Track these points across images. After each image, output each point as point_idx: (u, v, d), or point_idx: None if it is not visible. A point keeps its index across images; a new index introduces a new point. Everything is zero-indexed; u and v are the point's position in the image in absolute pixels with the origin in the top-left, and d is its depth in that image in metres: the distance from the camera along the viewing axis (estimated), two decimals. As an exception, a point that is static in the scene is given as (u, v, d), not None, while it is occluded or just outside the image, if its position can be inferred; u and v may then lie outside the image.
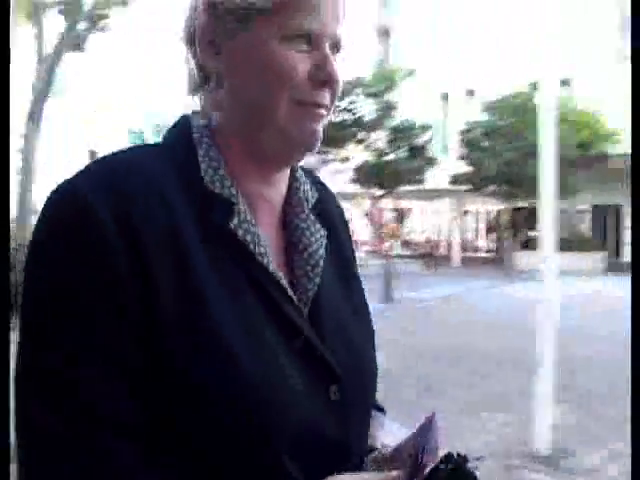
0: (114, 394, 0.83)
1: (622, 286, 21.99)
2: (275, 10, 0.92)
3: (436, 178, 30.07)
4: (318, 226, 1.05)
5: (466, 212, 36.22)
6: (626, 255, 31.63)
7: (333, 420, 0.94)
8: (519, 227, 28.48)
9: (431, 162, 29.20)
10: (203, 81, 1.00)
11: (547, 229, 5.83)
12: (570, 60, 31.96)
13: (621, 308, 15.96)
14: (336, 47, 0.97)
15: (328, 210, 1.12)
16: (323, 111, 0.97)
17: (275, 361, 0.89)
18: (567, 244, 28.78)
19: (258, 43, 0.93)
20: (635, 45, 1.28)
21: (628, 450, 5.49)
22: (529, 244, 28.59)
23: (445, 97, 36.57)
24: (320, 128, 0.97)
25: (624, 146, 28.87)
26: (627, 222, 31.91)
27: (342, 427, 0.96)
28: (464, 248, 34.87)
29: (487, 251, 33.24)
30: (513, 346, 10.06)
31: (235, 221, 0.92)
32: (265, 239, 0.95)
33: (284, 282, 0.95)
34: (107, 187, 0.86)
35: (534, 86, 32.49)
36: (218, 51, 0.96)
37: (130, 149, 0.97)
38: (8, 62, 0.86)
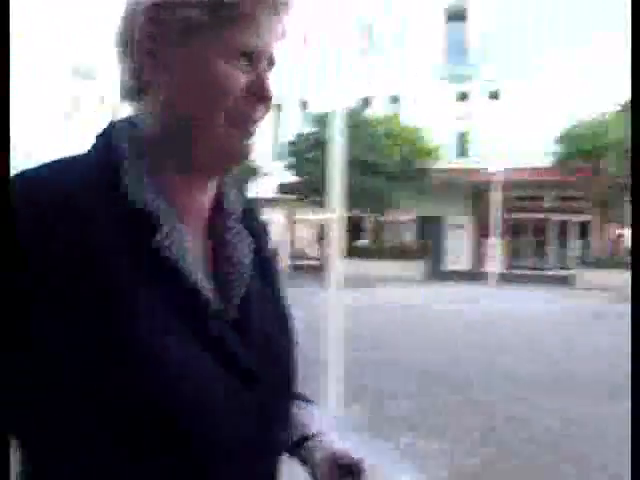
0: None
1: (440, 292, 23.32)
2: (219, 26, 0.93)
3: (266, 187, 30.44)
4: (244, 235, 1.05)
5: (297, 221, 36.88)
6: (447, 263, 33.39)
7: (256, 421, 0.97)
8: (345, 236, 29.36)
9: (254, 172, 29.50)
10: (137, 89, 0.98)
11: (334, 238, 6.09)
12: (399, 78, 33.39)
13: (433, 315, 16.94)
14: (271, 63, 0.99)
15: (253, 223, 1.11)
16: (256, 126, 0.99)
17: (200, 369, 0.90)
18: (393, 253, 30.00)
19: (199, 57, 0.93)
20: (634, 43, 1.33)
21: (416, 444, 5.85)
22: (354, 252, 29.49)
23: (278, 108, 37.13)
24: (252, 142, 0.99)
25: (444, 161, 30.48)
26: (448, 232, 33.69)
27: (264, 428, 0.99)
28: (294, 256, 35.45)
29: (316, 259, 33.97)
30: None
31: (159, 236, 0.90)
32: (191, 250, 0.95)
33: (208, 293, 0.95)
34: (28, 204, 0.85)
35: (365, 101, 33.83)
36: (157, 61, 0.95)
37: (58, 161, 0.94)
38: (8, 62, 0.89)
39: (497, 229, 29.49)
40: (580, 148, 26.27)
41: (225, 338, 0.95)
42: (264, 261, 1.11)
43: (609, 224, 29.63)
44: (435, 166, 29.64)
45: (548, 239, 33.12)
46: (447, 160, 31.07)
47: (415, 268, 29.48)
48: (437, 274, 30.72)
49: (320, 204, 25.72)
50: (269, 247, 1.17)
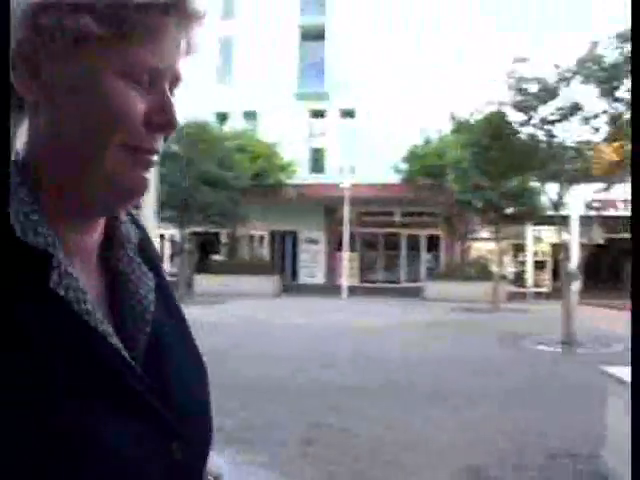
0: None
1: (290, 306, 23.57)
2: (117, 40, 0.78)
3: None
4: (144, 269, 0.92)
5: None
6: (302, 277, 33.75)
7: (176, 476, 0.85)
8: (198, 251, 29.18)
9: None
10: (14, 106, 0.80)
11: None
12: (255, 94, 33.54)
13: (275, 329, 17.07)
14: (174, 83, 0.85)
15: (149, 250, 0.97)
16: (155, 157, 0.85)
17: (111, 433, 0.77)
18: (248, 268, 30.02)
19: (91, 74, 0.78)
20: (634, 43, 1.30)
21: (236, 458, 5.86)
22: (209, 268, 29.31)
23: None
24: (150, 175, 0.84)
25: (299, 177, 30.85)
26: (303, 246, 34.06)
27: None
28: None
29: (172, 275, 33.58)
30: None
31: (55, 277, 0.77)
32: (88, 291, 0.81)
33: (115, 340, 0.81)
34: None
35: (222, 116, 33.79)
36: (37, 73, 0.79)
37: None
38: (8, 60, 0.78)
39: (350, 243, 30.14)
40: (424, 166, 27.37)
41: (139, 389, 0.83)
42: (167, 297, 0.98)
43: (456, 238, 30.90)
44: (289, 181, 29.97)
45: (400, 253, 34.13)
46: (301, 176, 31.49)
47: (269, 283, 29.64)
48: (291, 288, 31.01)
49: (169, 219, 25.64)
50: (164, 275, 1.02)
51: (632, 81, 1.34)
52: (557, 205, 15.89)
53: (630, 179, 1.31)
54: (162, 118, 0.82)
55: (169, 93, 0.84)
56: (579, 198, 19.92)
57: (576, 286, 28.43)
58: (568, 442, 6.95)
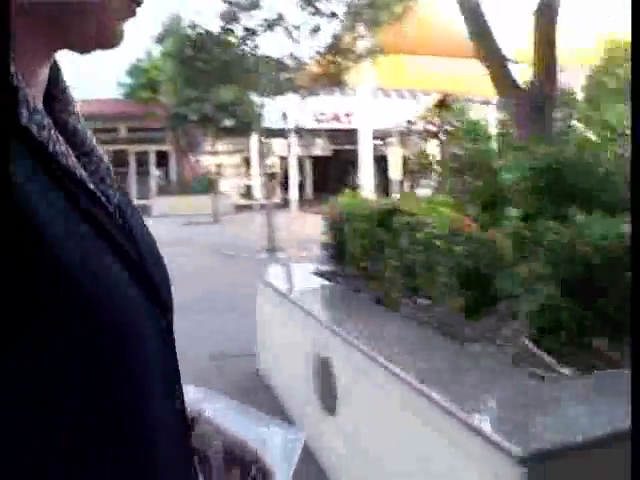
0: None
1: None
2: None
3: None
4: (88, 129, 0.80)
5: None
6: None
7: (166, 344, 0.79)
8: None
9: None
10: None
11: None
12: None
13: None
14: None
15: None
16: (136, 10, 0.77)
17: (117, 281, 0.68)
18: None
19: None
20: (635, 42, 1.28)
21: None
22: None
23: None
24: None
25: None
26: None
27: (173, 351, 0.82)
28: None
29: None
30: None
31: (25, 112, 0.62)
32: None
33: (97, 190, 0.71)
34: None
35: None
36: None
37: None
38: (8, 56, 0.67)
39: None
40: (147, 79, 26.92)
41: (127, 247, 0.73)
42: None
43: (184, 153, 30.91)
44: None
45: (129, 170, 33.53)
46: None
47: None
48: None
49: None
50: None
51: (632, 79, 1.32)
52: (260, 117, 16.22)
53: (633, 175, 1.29)
54: None
55: None
56: (305, 111, 20.34)
57: (295, 195, 29.72)
58: (235, 343, 7.26)
